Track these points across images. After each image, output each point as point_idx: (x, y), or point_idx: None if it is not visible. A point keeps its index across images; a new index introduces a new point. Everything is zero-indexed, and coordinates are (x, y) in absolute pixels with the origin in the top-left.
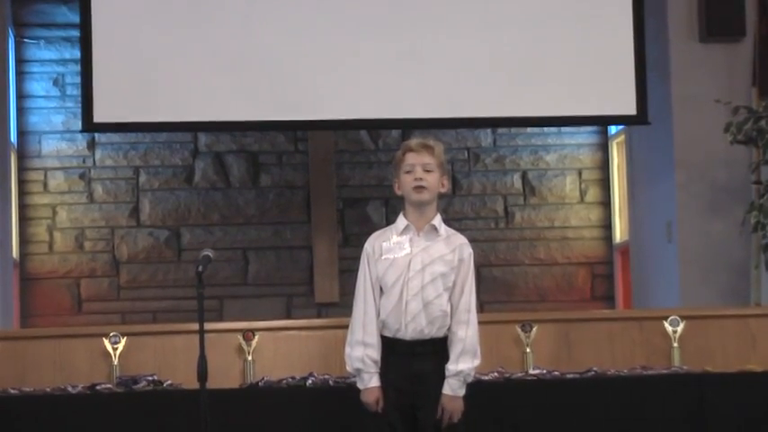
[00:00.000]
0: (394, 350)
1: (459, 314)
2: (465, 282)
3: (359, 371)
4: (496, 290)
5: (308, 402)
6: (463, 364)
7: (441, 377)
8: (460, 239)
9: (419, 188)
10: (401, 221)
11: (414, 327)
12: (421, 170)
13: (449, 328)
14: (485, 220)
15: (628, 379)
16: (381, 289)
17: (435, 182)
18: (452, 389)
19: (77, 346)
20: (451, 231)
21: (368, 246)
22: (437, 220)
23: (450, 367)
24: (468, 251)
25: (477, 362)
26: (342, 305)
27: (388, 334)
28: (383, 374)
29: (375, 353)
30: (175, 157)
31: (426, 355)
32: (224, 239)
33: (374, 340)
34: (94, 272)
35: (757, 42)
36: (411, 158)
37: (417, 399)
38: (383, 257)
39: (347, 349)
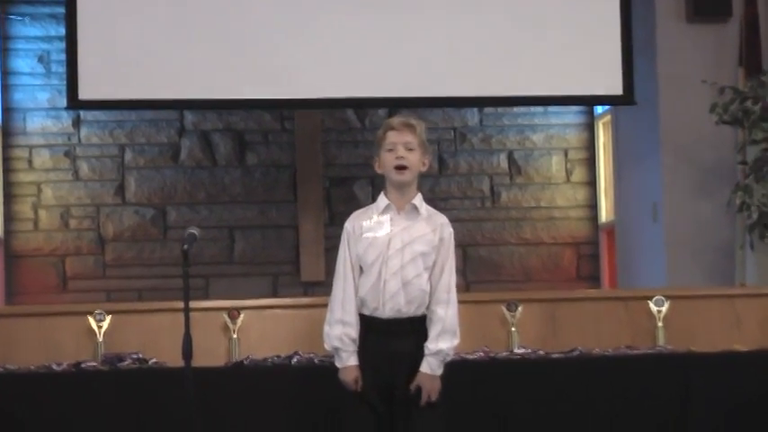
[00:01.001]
0: (372, 329)
1: (439, 293)
2: (445, 261)
3: (337, 349)
4: (482, 269)
5: (293, 381)
6: (443, 343)
7: (419, 356)
8: (441, 219)
9: (400, 167)
10: (382, 200)
11: (392, 305)
12: (402, 149)
13: (428, 308)
14: (471, 199)
15: (613, 359)
16: (361, 268)
17: (417, 161)
18: (431, 367)
19: (62, 324)
20: (432, 211)
21: (348, 225)
22: (418, 200)
23: (430, 346)
24: (448, 231)
25: (456, 341)
26: (327, 284)
27: (366, 312)
28: (361, 353)
29: (353, 331)
30: (161, 136)
31: (404, 335)
32: (210, 218)
33: (353, 319)
34: (80, 250)
35: (744, 23)
36: (392, 137)
37: (395, 378)
38: (363, 236)
39: (326, 328)
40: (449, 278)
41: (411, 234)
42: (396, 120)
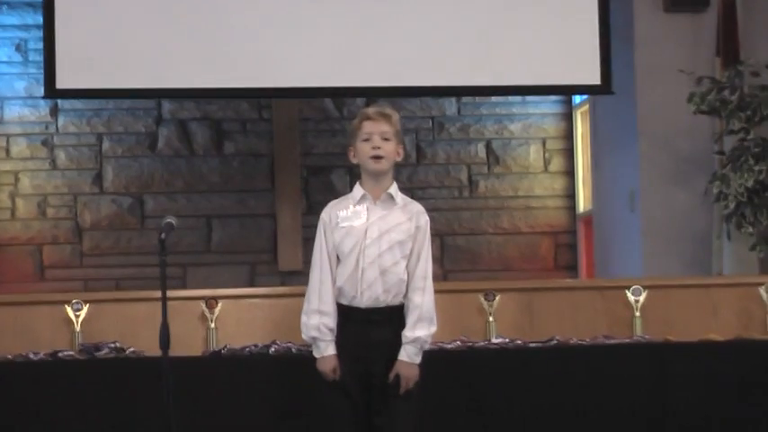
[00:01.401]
0: (350, 318)
1: (416, 281)
2: (422, 249)
3: (315, 339)
4: (460, 259)
5: (271, 370)
6: (420, 330)
7: (397, 345)
8: (417, 207)
9: (377, 158)
10: (357, 190)
11: (369, 294)
12: (379, 139)
13: (405, 296)
14: (449, 189)
15: (590, 348)
16: (338, 257)
17: (392, 150)
18: (408, 355)
19: (39, 313)
20: (408, 200)
21: (324, 215)
22: (393, 189)
23: (407, 334)
24: (424, 219)
25: (433, 329)
26: (305, 273)
27: (343, 302)
28: (339, 342)
29: (331, 321)
30: (139, 125)
31: (382, 323)
32: (187, 207)
33: (330, 309)
34: (57, 239)
35: (721, 12)
36: (368, 127)
37: (373, 366)
38: (340, 226)
39: (303, 318)
40: (425, 266)
41: (388, 223)
42: (371, 109)
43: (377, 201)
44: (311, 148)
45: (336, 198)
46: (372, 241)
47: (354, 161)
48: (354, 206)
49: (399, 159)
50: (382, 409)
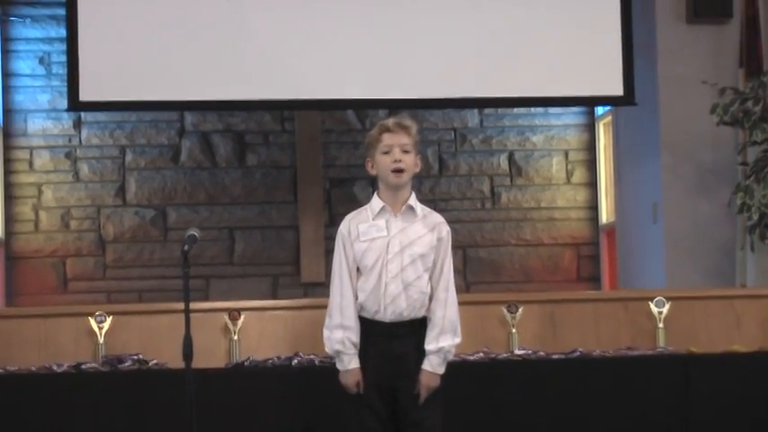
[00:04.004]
0: (373, 332)
1: (439, 293)
2: (444, 261)
3: (338, 353)
4: (482, 270)
5: (294, 382)
6: (444, 341)
7: (420, 358)
8: (438, 218)
9: (398, 171)
10: (376, 202)
11: (393, 309)
12: (399, 151)
13: (428, 309)
14: (471, 200)
15: (613, 360)
16: (359, 270)
17: (412, 162)
18: (432, 365)
19: (63, 325)
20: (428, 210)
21: (343, 228)
22: (413, 200)
23: (429, 346)
24: (446, 230)
25: (457, 340)
26: (328, 285)
27: (366, 315)
28: (362, 356)
29: (354, 336)
30: (162, 137)
31: (406, 337)
32: (210, 219)
33: (353, 323)
34: (80, 251)
35: (744, 23)
36: (388, 139)
37: (397, 380)
38: (361, 239)
39: (326, 333)
40: (448, 277)
41: (409, 236)
42: (391, 121)
43: (397, 213)
44: (333, 159)
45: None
46: (394, 255)
47: (373, 173)
48: (374, 218)
49: (417, 170)
50: (409, 421)
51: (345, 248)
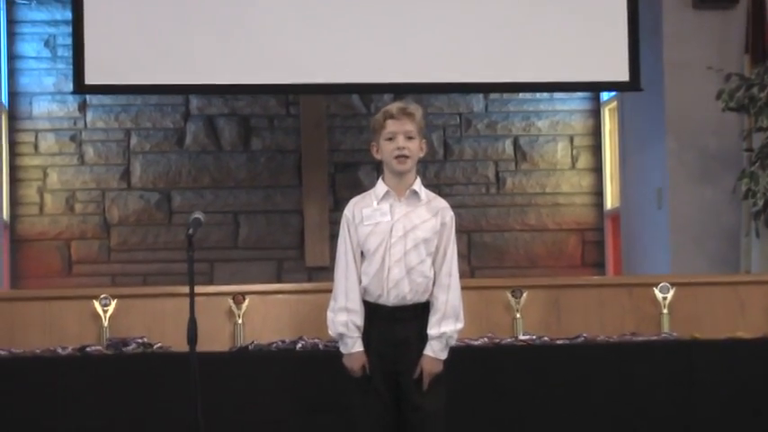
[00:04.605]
0: (376, 315)
1: (442, 278)
2: (447, 246)
3: (342, 335)
4: (487, 255)
5: (298, 366)
6: (446, 326)
7: (423, 342)
8: (442, 203)
9: (402, 158)
10: (381, 187)
11: (396, 293)
12: (403, 138)
13: (431, 293)
14: (476, 185)
15: (617, 345)
16: (363, 254)
17: (416, 148)
18: (434, 351)
19: (67, 308)
20: (432, 195)
21: (347, 212)
22: (417, 185)
23: (432, 331)
24: (449, 215)
25: (459, 325)
26: (332, 269)
27: (369, 299)
28: (365, 340)
29: (358, 319)
30: (167, 120)
31: (408, 321)
32: (215, 203)
33: (357, 306)
34: (85, 234)
35: (750, 9)
36: (392, 126)
37: (400, 364)
38: (365, 223)
39: (329, 315)
40: (451, 262)
41: (412, 220)
42: (394, 107)
43: (401, 197)
44: (338, 144)
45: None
46: (398, 239)
47: (378, 157)
48: (378, 203)
49: (423, 155)
50: (411, 406)
51: (350, 232)
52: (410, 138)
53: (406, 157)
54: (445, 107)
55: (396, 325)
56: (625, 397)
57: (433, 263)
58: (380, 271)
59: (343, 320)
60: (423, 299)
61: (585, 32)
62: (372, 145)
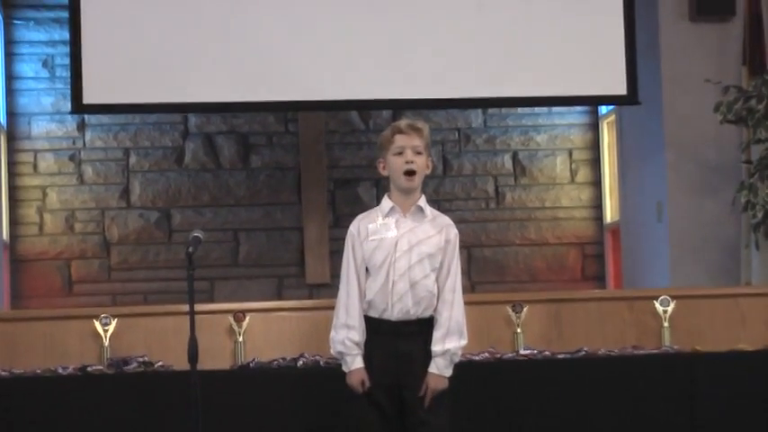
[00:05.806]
0: (379, 330)
1: (445, 294)
2: (451, 263)
3: (341, 354)
4: (487, 270)
5: (299, 383)
6: (450, 343)
7: (427, 357)
8: (446, 220)
9: (410, 173)
10: (386, 203)
11: (400, 307)
12: (411, 153)
13: (435, 309)
14: (475, 200)
15: (618, 359)
16: (368, 270)
17: (424, 164)
18: (438, 368)
19: (68, 328)
20: (437, 213)
21: (353, 228)
22: (422, 201)
23: (436, 348)
24: (454, 232)
25: (463, 342)
26: (332, 286)
27: (374, 314)
28: (368, 355)
29: (357, 335)
30: (165, 139)
31: (412, 335)
32: (214, 221)
33: (356, 323)
34: (85, 253)
35: (747, 21)
36: (401, 140)
37: (403, 379)
38: (370, 239)
39: (332, 333)
40: (454, 279)
41: (417, 235)
42: (404, 123)
43: (406, 213)
44: (338, 160)
45: (363, 210)
46: (402, 254)
47: (384, 173)
48: (383, 218)
49: (429, 172)
50: (417, 421)
51: (354, 248)
52: (418, 153)
53: (414, 172)
54: (444, 123)
55: (399, 339)
56: (627, 410)
57: (437, 279)
58: (385, 285)
59: (341, 338)
60: (427, 314)
61: (583, 47)
62: (379, 161)
